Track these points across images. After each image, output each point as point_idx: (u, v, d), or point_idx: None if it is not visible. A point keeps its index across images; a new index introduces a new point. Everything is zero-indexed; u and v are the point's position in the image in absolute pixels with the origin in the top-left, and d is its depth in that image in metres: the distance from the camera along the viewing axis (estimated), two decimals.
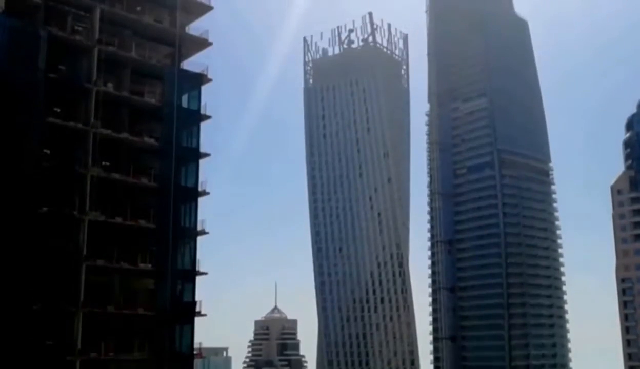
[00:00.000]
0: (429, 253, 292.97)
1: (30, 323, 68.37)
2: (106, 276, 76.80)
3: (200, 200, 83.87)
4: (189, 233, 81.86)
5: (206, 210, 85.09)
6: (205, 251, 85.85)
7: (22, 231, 69.39)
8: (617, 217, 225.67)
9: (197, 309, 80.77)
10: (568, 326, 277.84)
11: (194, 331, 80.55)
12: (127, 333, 77.77)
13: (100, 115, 76.40)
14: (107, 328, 76.27)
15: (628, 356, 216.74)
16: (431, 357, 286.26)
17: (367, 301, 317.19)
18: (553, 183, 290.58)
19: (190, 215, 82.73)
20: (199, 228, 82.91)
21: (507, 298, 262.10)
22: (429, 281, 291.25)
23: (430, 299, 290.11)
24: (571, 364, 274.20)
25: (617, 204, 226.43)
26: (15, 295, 67.77)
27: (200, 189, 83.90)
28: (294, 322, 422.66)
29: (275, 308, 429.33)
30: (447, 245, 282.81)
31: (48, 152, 74.10)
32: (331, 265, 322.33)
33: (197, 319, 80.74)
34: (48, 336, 71.36)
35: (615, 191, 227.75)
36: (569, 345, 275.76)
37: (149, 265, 78.76)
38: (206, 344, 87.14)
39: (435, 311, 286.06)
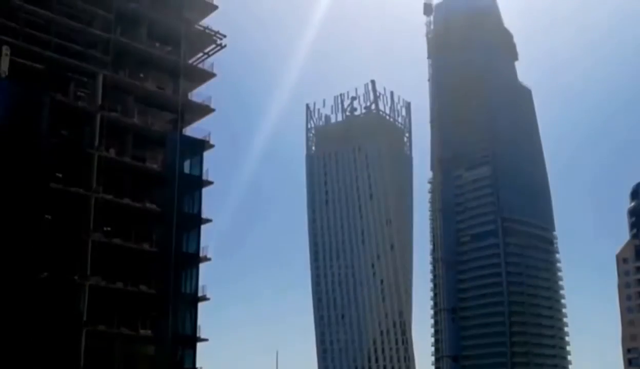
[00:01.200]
0: (432, 321, 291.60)
1: None
2: (106, 342, 76.55)
3: (202, 265, 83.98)
4: (190, 299, 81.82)
5: (207, 275, 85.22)
6: (207, 317, 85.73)
7: (22, 297, 69.41)
8: (623, 286, 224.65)
9: None
10: None
11: None
12: None
13: (102, 180, 77.00)
14: None
15: None
16: None
17: None
18: (557, 252, 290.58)
19: (191, 281, 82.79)
20: (200, 294, 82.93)
21: (512, 368, 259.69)
22: (432, 349, 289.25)
23: (433, 368, 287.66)
24: None
25: (622, 273, 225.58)
26: (15, 361, 67.46)
27: (201, 255, 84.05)
28: None
29: None
30: (451, 313, 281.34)
31: (49, 217, 74.47)
32: (333, 332, 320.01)
33: None
34: None
35: (621, 260, 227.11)
36: None
37: (149, 331, 78.53)
38: None
39: None
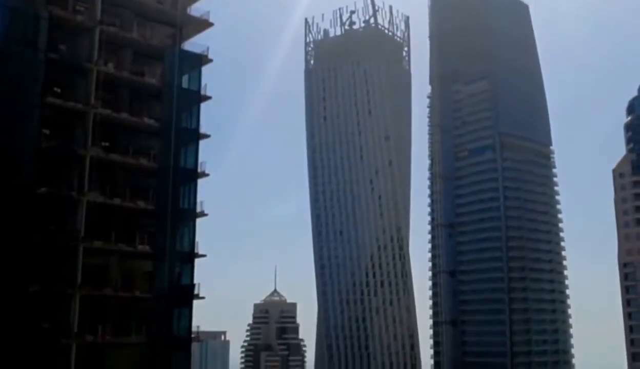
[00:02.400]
0: (430, 236, 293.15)
1: (26, 306, 68.40)
2: (104, 258, 76.67)
3: (200, 181, 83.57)
4: (188, 215, 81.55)
5: (206, 192, 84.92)
6: (205, 234, 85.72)
7: (20, 212, 69.40)
8: (619, 201, 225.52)
9: (196, 292, 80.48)
10: (570, 311, 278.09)
11: (192, 314, 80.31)
12: (124, 316, 77.80)
13: (100, 95, 76.24)
14: (104, 311, 76.37)
15: (630, 342, 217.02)
16: (431, 341, 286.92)
17: (367, 285, 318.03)
18: (554, 167, 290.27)
19: (190, 197, 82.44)
20: (198, 210, 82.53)
21: (508, 282, 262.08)
22: (429, 264, 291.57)
23: (430, 283, 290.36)
24: (573, 350, 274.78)
25: (619, 188, 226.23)
26: (11, 277, 67.75)
27: (200, 170, 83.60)
28: (294, 305, 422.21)
29: (275, 291, 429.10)
30: (448, 229, 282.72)
31: (47, 132, 73.82)
32: (331, 248, 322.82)
33: (195, 303, 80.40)
34: (44, 318, 71.55)
35: (617, 174, 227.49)
36: (571, 330, 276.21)
37: (147, 247, 78.58)
38: (204, 327, 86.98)
39: (435, 295, 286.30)
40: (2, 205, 68.62)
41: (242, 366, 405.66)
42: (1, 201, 68.56)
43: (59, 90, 74.55)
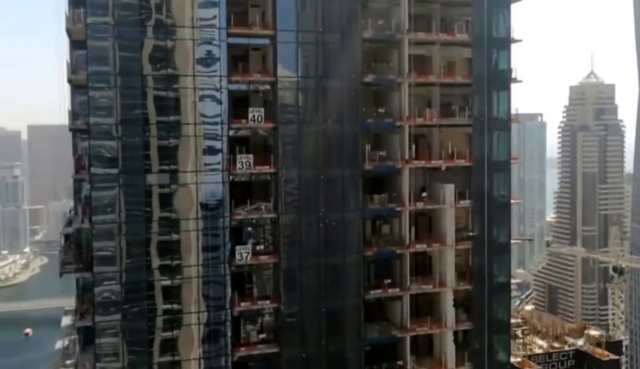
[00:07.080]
0: None
1: (360, 94, 73.20)
2: (426, 48, 79.22)
3: None
4: (502, 1, 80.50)
5: None
6: (518, 19, 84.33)
7: (351, 13, 72.84)
8: None
9: (513, 76, 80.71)
10: None
11: (510, 97, 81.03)
12: (447, 101, 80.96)
13: None
14: (429, 97, 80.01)
15: None
16: None
17: None
18: None
19: None
20: None
21: None
22: None
23: None
24: None
25: None
26: (348, 68, 72.39)
27: None
28: (612, 87, 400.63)
29: (592, 73, 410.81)
30: None
31: None
32: None
33: (512, 86, 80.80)
34: (379, 105, 76.86)
35: None
36: None
37: (465, 35, 79.59)
38: (522, 110, 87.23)
39: None
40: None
41: (560, 146, 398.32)
42: None
43: None
